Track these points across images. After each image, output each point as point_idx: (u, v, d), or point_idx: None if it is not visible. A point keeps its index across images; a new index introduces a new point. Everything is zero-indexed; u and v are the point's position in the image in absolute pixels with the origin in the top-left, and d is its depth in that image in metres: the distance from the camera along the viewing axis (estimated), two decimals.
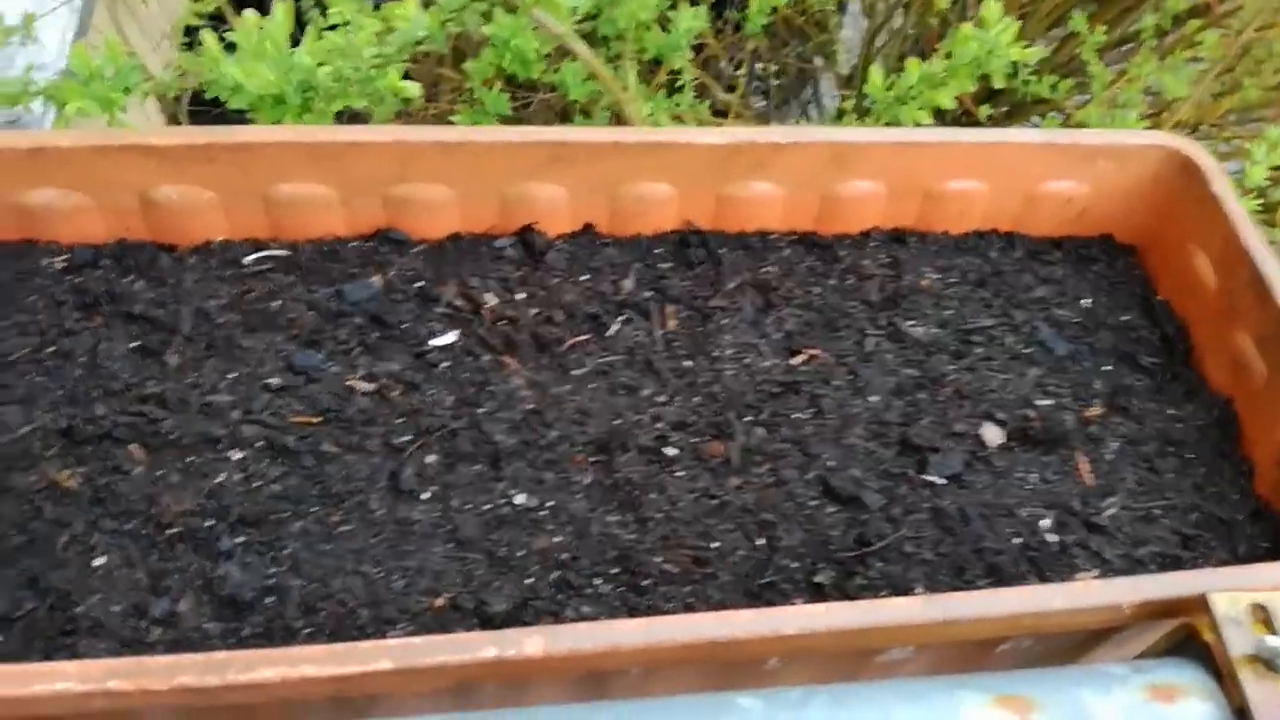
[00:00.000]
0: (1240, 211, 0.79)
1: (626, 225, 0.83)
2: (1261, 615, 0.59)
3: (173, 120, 1.57)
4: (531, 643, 0.57)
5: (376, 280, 0.78)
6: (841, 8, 1.98)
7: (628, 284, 0.81)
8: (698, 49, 1.57)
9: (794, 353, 0.78)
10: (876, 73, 1.18)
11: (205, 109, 1.35)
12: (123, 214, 0.76)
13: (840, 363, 0.78)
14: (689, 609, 0.65)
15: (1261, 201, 1.34)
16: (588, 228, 0.83)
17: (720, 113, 1.71)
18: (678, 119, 1.42)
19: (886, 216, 0.85)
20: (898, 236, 0.86)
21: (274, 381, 0.72)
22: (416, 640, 0.57)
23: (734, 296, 0.81)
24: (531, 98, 1.62)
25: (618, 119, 1.32)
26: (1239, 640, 0.58)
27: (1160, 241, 0.88)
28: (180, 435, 0.68)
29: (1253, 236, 0.78)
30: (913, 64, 1.16)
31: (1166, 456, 0.77)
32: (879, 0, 1.81)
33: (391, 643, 0.57)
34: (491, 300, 0.78)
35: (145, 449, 0.68)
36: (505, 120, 1.27)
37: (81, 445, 0.67)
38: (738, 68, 1.91)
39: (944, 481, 0.72)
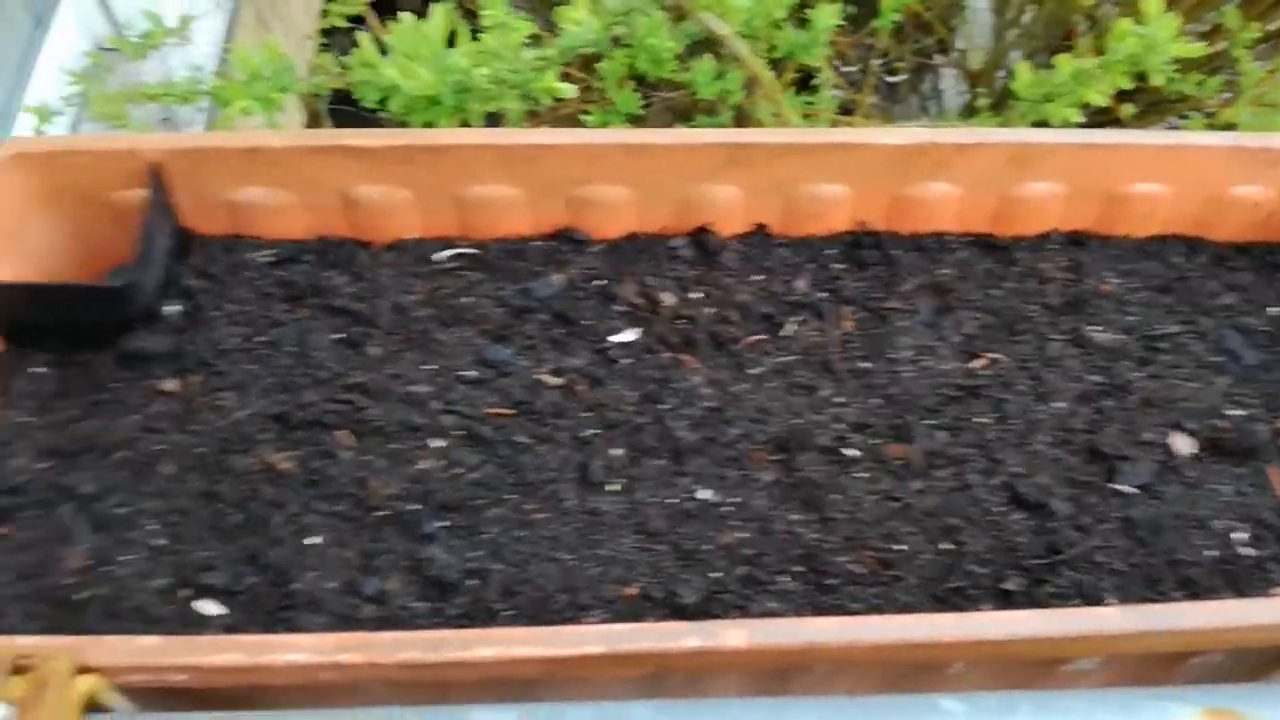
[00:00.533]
0: None
1: (799, 226, 0.84)
2: None
3: (314, 120, 1.63)
4: (733, 635, 0.58)
5: (559, 278, 0.80)
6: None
7: (801, 284, 0.82)
8: None
9: (973, 356, 0.78)
10: (1024, 69, 1.16)
11: (344, 108, 1.40)
12: (324, 211, 0.80)
13: (1022, 368, 0.77)
14: (876, 610, 0.66)
15: None
16: (760, 228, 0.84)
17: (845, 110, 1.70)
18: (808, 117, 1.41)
19: (1065, 219, 0.84)
20: (1077, 239, 0.85)
21: (469, 374, 0.75)
22: (623, 626, 0.59)
23: (910, 298, 0.81)
24: (652, 98, 1.64)
25: (740, 119, 1.33)
26: None
27: None
28: (385, 423, 0.72)
29: None
30: (1063, 60, 1.13)
31: None
32: None
33: (600, 628, 0.59)
34: (669, 299, 0.80)
35: (353, 435, 0.71)
36: (633, 120, 1.29)
37: (294, 430, 0.71)
38: (859, 64, 1.89)
39: (1134, 491, 0.71)
